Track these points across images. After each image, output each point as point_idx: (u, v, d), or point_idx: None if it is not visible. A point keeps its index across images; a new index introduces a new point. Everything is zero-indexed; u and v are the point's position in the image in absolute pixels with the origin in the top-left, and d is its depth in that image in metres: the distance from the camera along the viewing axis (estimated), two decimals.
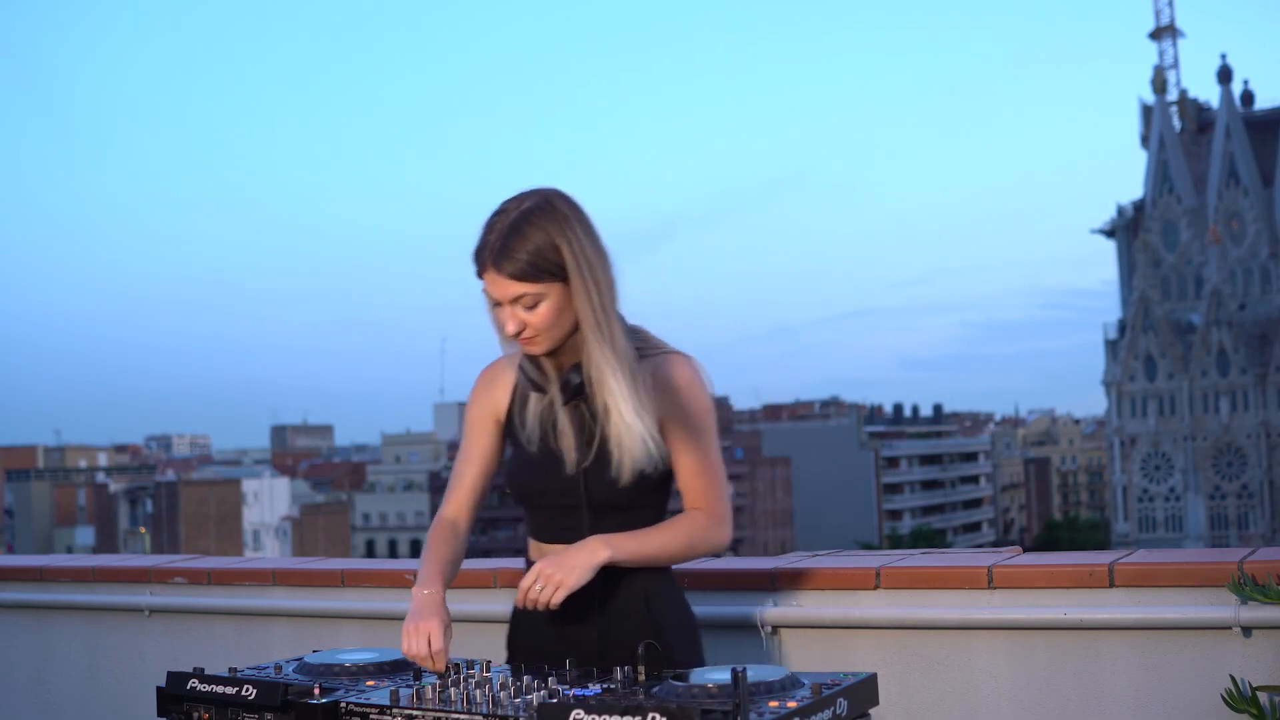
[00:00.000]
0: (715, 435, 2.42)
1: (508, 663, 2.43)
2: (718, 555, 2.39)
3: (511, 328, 2.32)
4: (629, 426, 2.31)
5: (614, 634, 2.35)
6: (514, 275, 2.28)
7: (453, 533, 2.52)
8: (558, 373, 2.39)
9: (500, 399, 2.49)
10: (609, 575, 2.33)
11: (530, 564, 2.46)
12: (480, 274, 2.33)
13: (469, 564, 3.73)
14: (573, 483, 2.37)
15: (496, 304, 2.34)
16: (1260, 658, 2.73)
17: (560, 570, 2.25)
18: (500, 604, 3.47)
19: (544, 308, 2.30)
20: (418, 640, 2.30)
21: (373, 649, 2.35)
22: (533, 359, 2.40)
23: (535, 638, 2.43)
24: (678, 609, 2.45)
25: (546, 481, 2.40)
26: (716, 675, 1.94)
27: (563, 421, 2.37)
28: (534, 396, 2.42)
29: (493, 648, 3.37)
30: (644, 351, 2.40)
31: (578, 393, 2.35)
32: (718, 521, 2.38)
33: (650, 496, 2.39)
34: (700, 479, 2.38)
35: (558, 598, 2.24)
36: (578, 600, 2.31)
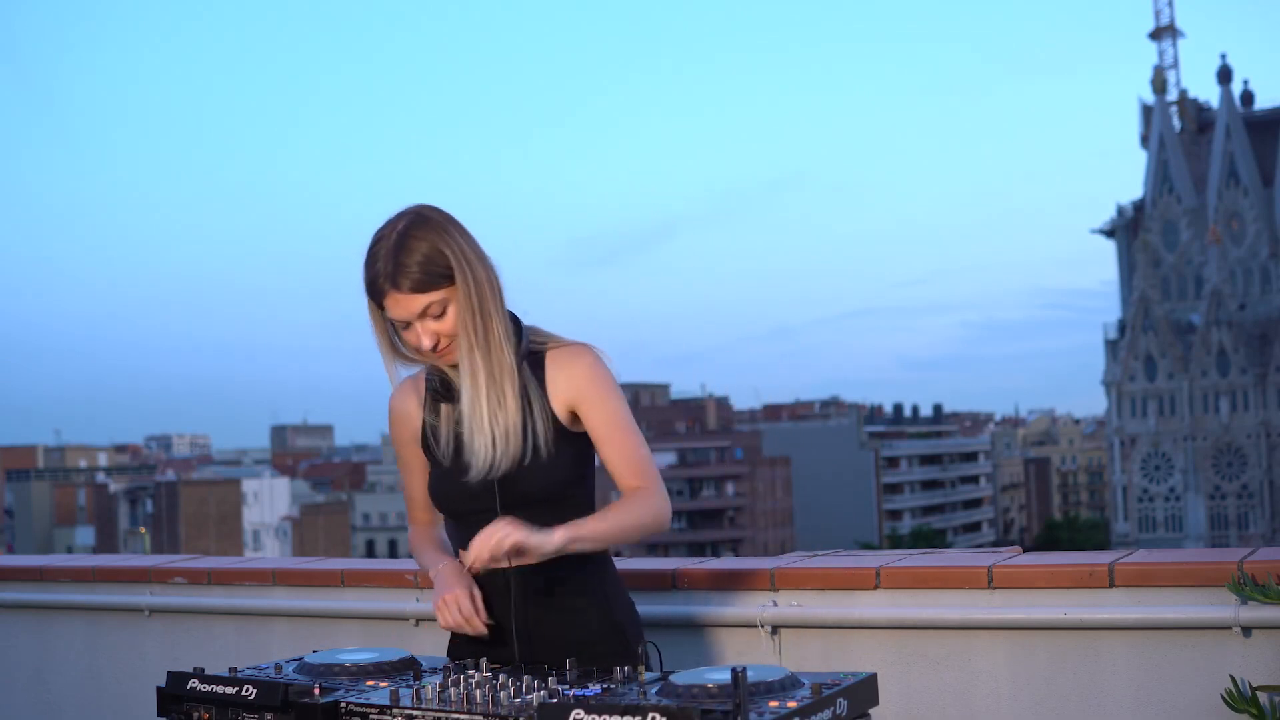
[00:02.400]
0: (626, 408, 2.43)
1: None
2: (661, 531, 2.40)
3: (428, 342, 2.35)
4: (483, 428, 2.35)
5: (576, 635, 2.38)
6: (414, 289, 2.32)
7: (431, 534, 2.60)
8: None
9: (413, 419, 2.53)
10: (570, 581, 2.38)
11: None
12: (381, 303, 2.36)
13: None
14: (486, 489, 2.38)
15: (405, 326, 2.37)
16: (1260, 658, 2.73)
17: (514, 525, 2.23)
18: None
19: (450, 313, 2.35)
20: (449, 611, 2.35)
21: (373, 649, 2.34)
22: (439, 372, 2.44)
23: (490, 652, 2.39)
24: (621, 597, 2.49)
25: (462, 491, 2.41)
26: (716, 675, 1.93)
27: (470, 433, 2.38)
28: (444, 410, 2.45)
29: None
30: (539, 346, 2.44)
31: (446, 394, 2.42)
32: (659, 495, 2.39)
33: (569, 488, 2.41)
34: (630, 456, 2.40)
35: (507, 544, 2.20)
36: (534, 608, 2.37)
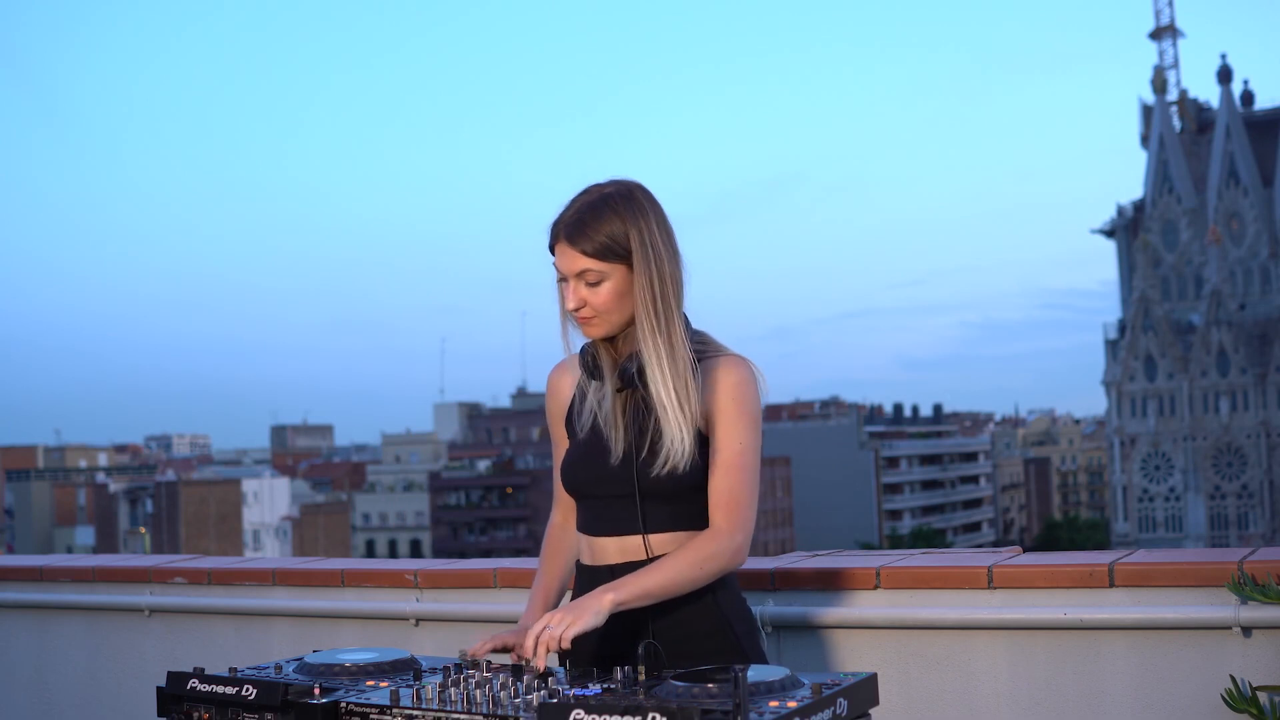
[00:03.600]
0: (756, 439, 2.38)
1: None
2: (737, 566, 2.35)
3: (572, 303, 2.36)
4: (671, 419, 2.32)
5: (681, 630, 2.33)
6: (582, 249, 2.33)
7: (560, 537, 2.58)
8: (615, 362, 2.42)
9: (564, 396, 2.54)
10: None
11: (579, 565, 2.46)
12: (552, 247, 2.39)
13: (468, 564, 3.73)
14: (621, 471, 2.36)
15: (562, 279, 2.39)
16: (1260, 658, 2.73)
17: (570, 612, 2.18)
18: (500, 604, 3.48)
19: (606, 288, 2.35)
20: (528, 638, 2.16)
21: (373, 649, 2.34)
22: (593, 349, 2.43)
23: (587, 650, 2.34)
24: (741, 604, 2.44)
25: (594, 470, 2.40)
26: (716, 675, 1.93)
27: (614, 410, 2.39)
28: (592, 386, 2.44)
29: None
30: (704, 353, 2.41)
31: (631, 380, 2.37)
32: (735, 529, 2.32)
33: (697, 492, 2.37)
34: (728, 480, 2.34)
35: (569, 634, 2.14)
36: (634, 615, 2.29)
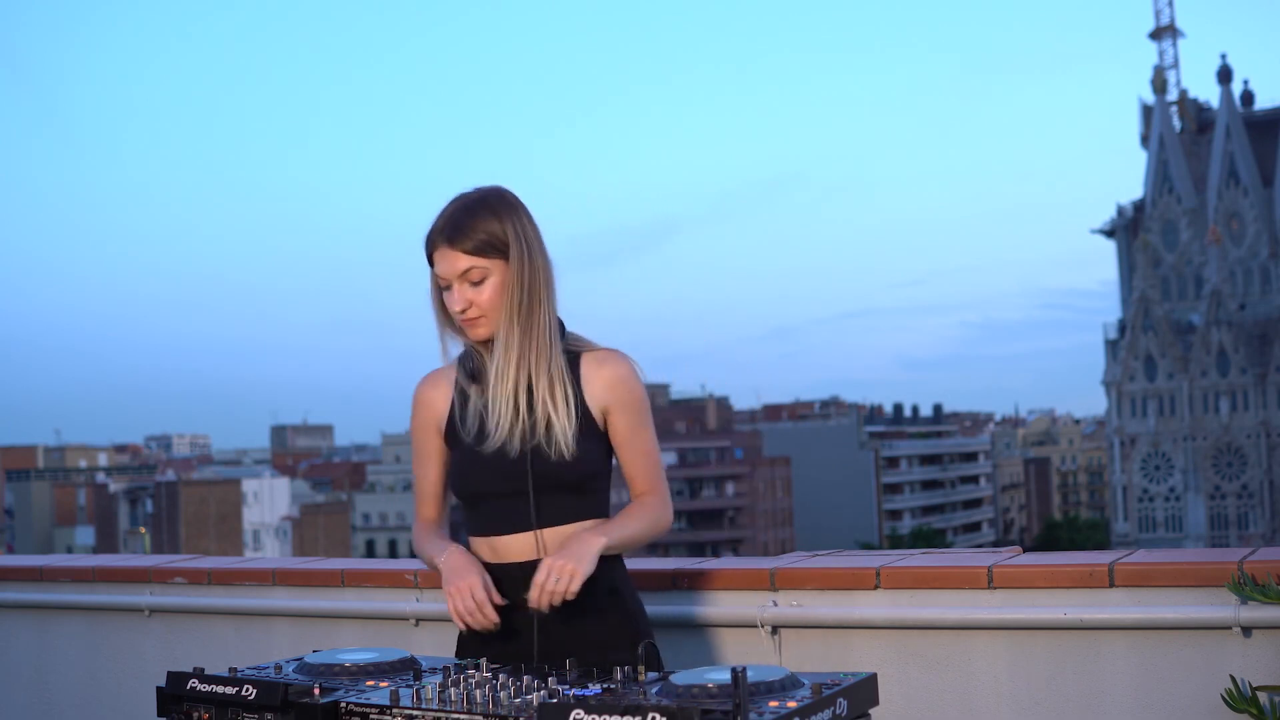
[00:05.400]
0: (652, 422, 2.55)
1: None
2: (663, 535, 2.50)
3: (459, 304, 2.42)
4: (557, 407, 2.41)
5: (593, 633, 2.40)
6: (462, 249, 2.40)
7: (435, 528, 2.61)
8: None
9: (439, 405, 2.56)
10: (592, 578, 2.35)
11: (484, 564, 2.48)
12: (431, 255, 2.45)
13: None
14: (516, 467, 2.42)
15: (445, 288, 2.45)
16: (1260, 658, 2.73)
17: (570, 559, 2.30)
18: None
19: (489, 285, 2.41)
20: (461, 598, 2.35)
21: (373, 649, 2.34)
22: (475, 353, 2.49)
23: (504, 647, 2.42)
24: (635, 596, 2.54)
25: (489, 470, 2.44)
26: (716, 675, 1.93)
27: (500, 409, 2.43)
28: (474, 391, 2.49)
29: None
30: (576, 348, 2.50)
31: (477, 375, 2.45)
32: (667, 504, 2.50)
33: (594, 480, 2.47)
34: (647, 464, 2.50)
35: (575, 586, 2.29)
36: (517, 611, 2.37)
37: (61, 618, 4.16)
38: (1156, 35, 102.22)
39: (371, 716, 1.98)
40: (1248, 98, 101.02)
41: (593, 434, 2.46)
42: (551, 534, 2.44)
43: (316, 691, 2.04)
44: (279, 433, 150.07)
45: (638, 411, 2.50)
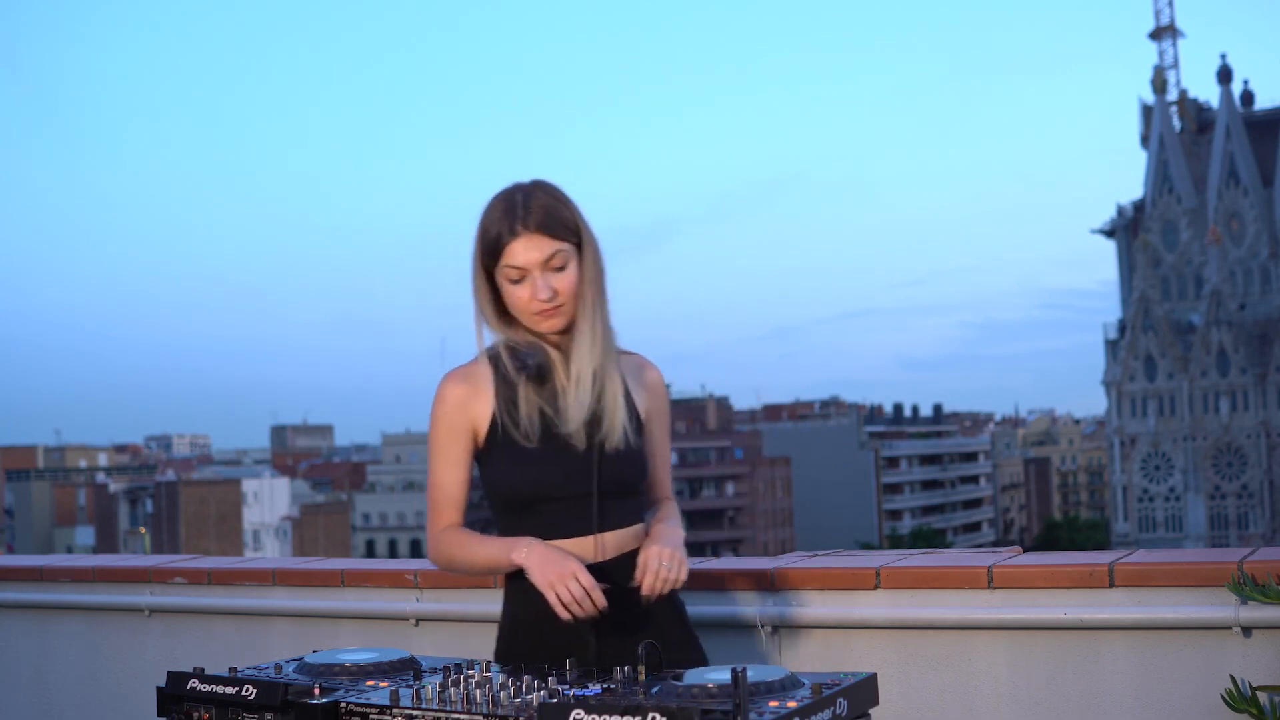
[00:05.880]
0: None
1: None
2: None
3: (544, 294, 2.32)
4: (620, 402, 2.37)
5: (658, 639, 2.29)
6: (546, 231, 2.32)
7: (471, 531, 2.45)
8: (563, 358, 2.39)
9: (476, 406, 2.40)
10: (630, 567, 2.31)
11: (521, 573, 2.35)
12: (506, 244, 2.32)
13: None
14: (585, 467, 2.34)
15: (518, 280, 2.34)
16: (1260, 658, 2.73)
17: (677, 548, 2.30)
18: (500, 604, 3.47)
19: (571, 270, 2.35)
20: (568, 584, 2.20)
21: (373, 649, 2.33)
22: (539, 348, 2.38)
23: (551, 651, 2.30)
24: (682, 606, 2.51)
25: (558, 471, 2.34)
26: (716, 675, 1.93)
27: (572, 406, 2.34)
28: (528, 388, 2.36)
29: (493, 648, 3.37)
30: (620, 350, 2.46)
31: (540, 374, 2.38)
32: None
33: (642, 482, 2.47)
34: (668, 471, 2.54)
35: (684, 574, 2.28)
36: (616, 609, 2.28)
37: (61, 618, 4.16)
38: (1156, 35, 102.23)
39: (371, 716, 1.98)
40: (1248, 98, 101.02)
41: (640, 435, 2.43)
42: (611, 537, 2.36)
43: (316, 691, 2.04)
44: (279, 433, 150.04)
45: (666, 418, 2.53)
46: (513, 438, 2.36)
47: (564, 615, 2.22)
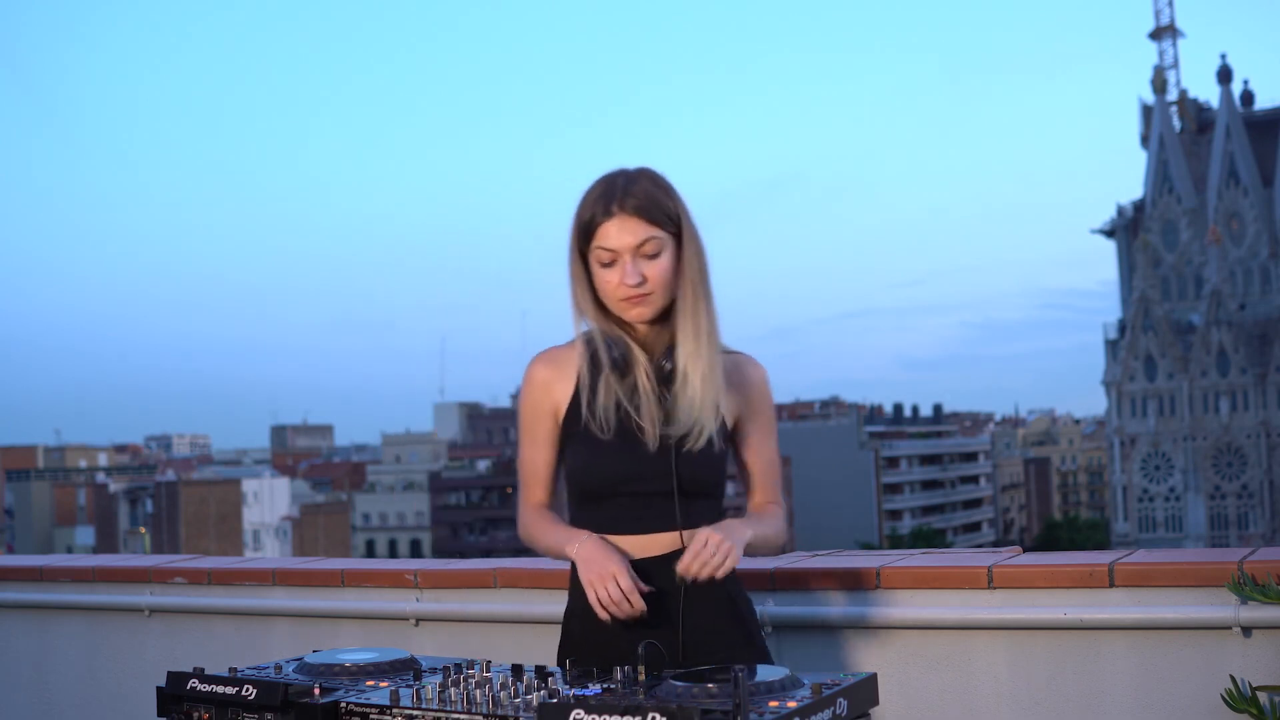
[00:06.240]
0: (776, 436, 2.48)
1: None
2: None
3: (632, 279, 2.27)
4: (707, 404, 2.29)
5: (702, 637, 2.29)
6: (642, 215, 2.27)
7: (549, 513, 2.43)
8: (645, 350, 2.34)
9: (558, 391, 2.40)
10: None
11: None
12: (599, 225, 2.28)
13: (468, 564, 3.73)
14: (660, 465, 2.30)
15: (609, 264, 2.30)
16: (1260, 658, 2.73)
17: (729, 538, 2.21)
18: (500, 604, 3.48)
19: (664, 259, 2.29)
20: (606, 585, 2.20)
21: (373, 649, 2.33)
22: (620, 338, 2.34)
23: (610, 644, 2.27)
24: (750, 606, 2.43)
25: (630, 466, 2.30)
26: (716, 675, 1.93)
27: (647, 402, 2.30)
28: (609, 379, 2.33)
29: (494, 648, 3.38)
30: (723, 348, 2.39)
31: (669, 378, 2.31)
32: (786, 520, 2.44)
33: (722, 485, 2.39)
34: (774, 475, 2.44)
35: (729, 565, 2.19)
36: (661, 604, 2.26)
37: (61, 618, 4.16)
38: (1156, 35, 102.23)
39: (371, 716, 1.98)
40: (1248, 98, 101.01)
41: (725, 436, 2.37)
42: (688, 537, 2.31)
43: (316, 691, 2.04)
44: (279, 433, 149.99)
45: (766, 419, 2.44)
46: (589, 428, 2.34)
47: (601, 615, 2.22)
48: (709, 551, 2.19)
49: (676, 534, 2.30)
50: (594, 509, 2.35)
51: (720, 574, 2.19)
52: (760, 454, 2.42)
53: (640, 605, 2.20)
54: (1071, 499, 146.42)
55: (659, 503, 2.30)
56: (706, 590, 2.26)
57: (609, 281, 2.31)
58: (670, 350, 2.33)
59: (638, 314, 2.32)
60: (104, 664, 4.06)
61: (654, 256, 2.28)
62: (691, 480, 2.31)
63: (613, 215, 2.27)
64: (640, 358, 2.34)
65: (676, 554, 2.26)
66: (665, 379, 2.32)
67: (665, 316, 2.34)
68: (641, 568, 2.28)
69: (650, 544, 2.31)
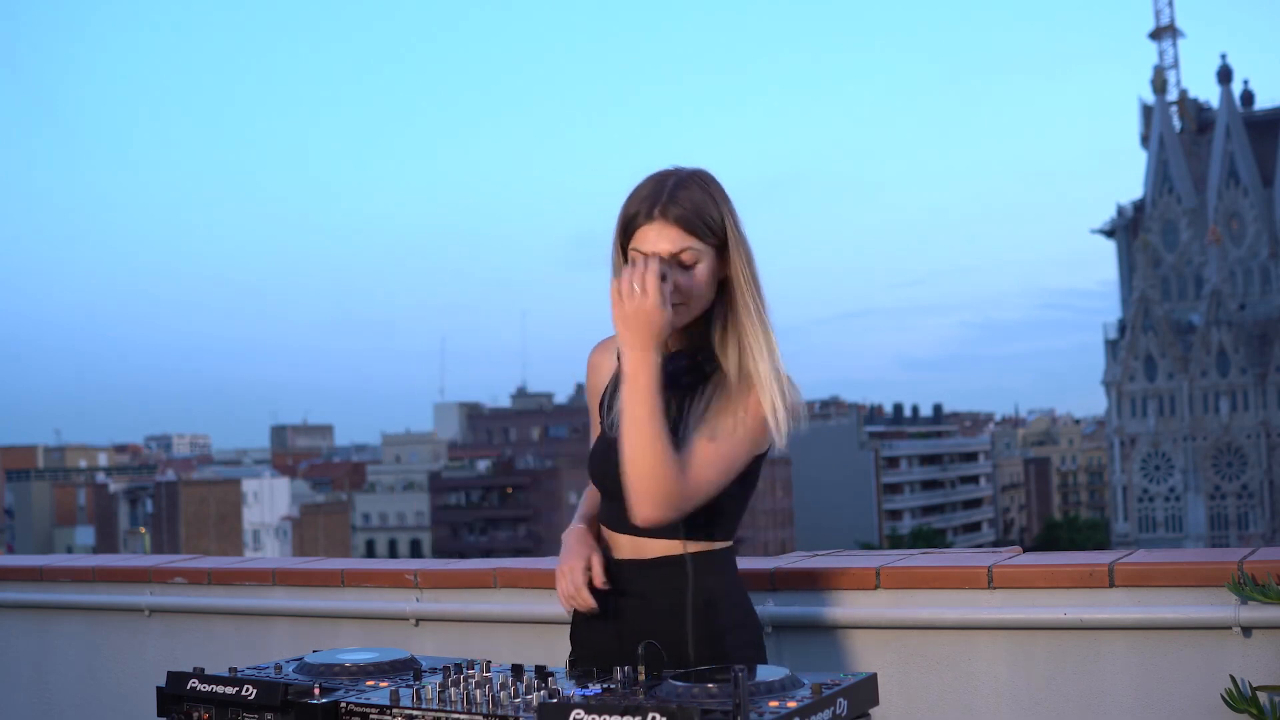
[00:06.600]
0: (745, 443, 2.25)
1: (571, 662, 2.35)
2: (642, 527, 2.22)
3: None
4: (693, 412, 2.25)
5: (669, 636, 2.25)
6: (680, 223, 2.22)
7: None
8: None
9: (601, 378, 2.44)
10: (666, 575, 2.27)
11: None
12: (637, 228, 2.24)
13: (468, 564, 3.73)
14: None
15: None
16: (1260, 658, 2.73)
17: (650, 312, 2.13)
18: (500, 604, 3.48)
19: (700, 270, 2.24)
20: (562, 579, 2.30)
21: (373, 649, 2.33)
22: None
23: (592, 638, 2.34)
24: (739, 610, 2.35)
25: (608, 466, 2.28)
26: (716, 675, 1.93)
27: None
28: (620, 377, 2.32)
29: (494, 648, 3.38)
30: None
31: (673, 380, 2.26)
32: (683, 493, 2.17)
33: (717, 501, 2.26)
34: (703, 452, 2.21)
35: (642, 307, 2.11)
36: (637, 601, 2.28)
37: (61, 618, 4.16)
38: (1156, 35, 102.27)
39: (371, 716, 1.98)
40: (1248, 98, 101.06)
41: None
42: (626, 540, 2.31)
43: (316, 691, 2.04)
44: (279, 433, 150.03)
45: (741, 422, 2.24)
46: (605, 422, 2.37)
47: (562, 604, 2.31)
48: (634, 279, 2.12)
49: (674, 541, 2.27)
50: (606, 502, 2.38)
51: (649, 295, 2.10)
52: (706, 429, 2.23)
53: (588, 602, 2.27)
54: (1071, 499, 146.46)
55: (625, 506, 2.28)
56: (682, 599, 2.26)
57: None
58: (675, 355, 2.30)
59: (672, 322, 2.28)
60: (104, 664, 4.06)
61: (690, 266, 2.24)
62: None
63: (653, 219, 2.23)
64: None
65: (667, 559, 2.27)
66: (670, 380, 2.27)
67: (706, 320, 2.30)
68: (632, 569, 2.29)
69: (644, 547, 2.30)
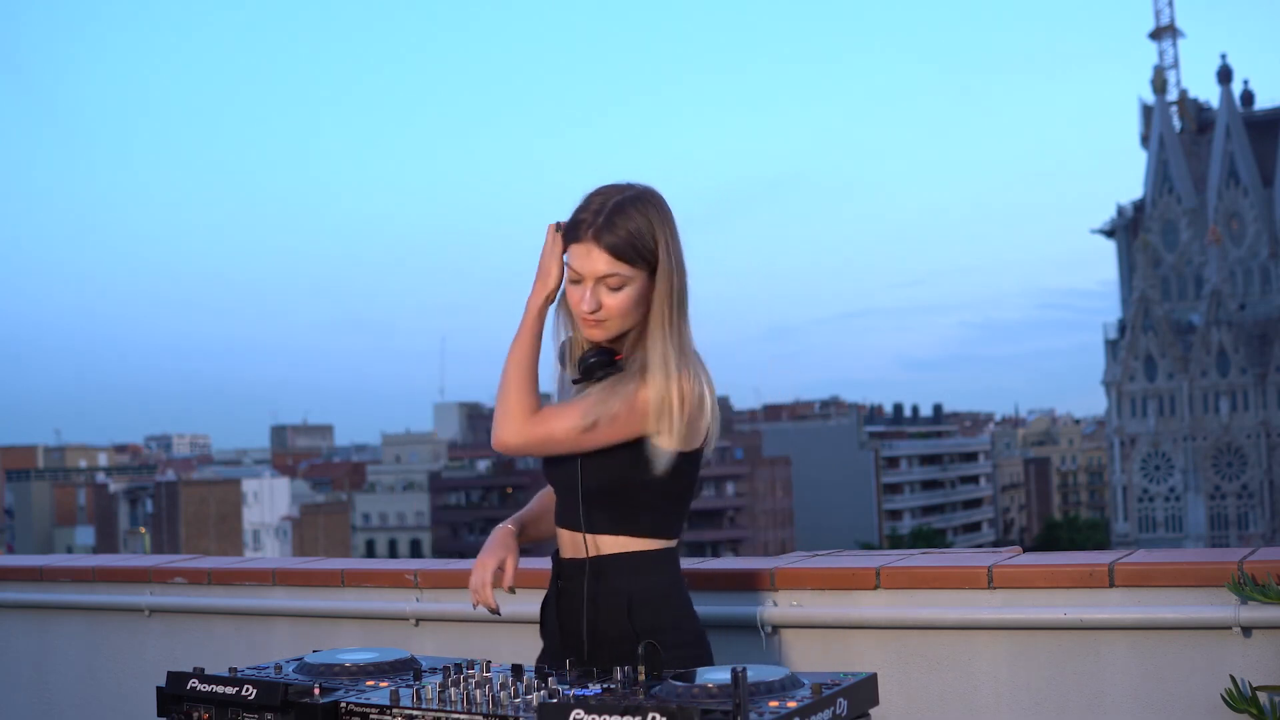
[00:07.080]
0: (620, 418, 2.28)
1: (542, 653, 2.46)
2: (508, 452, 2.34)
3: (588, 305, 2.30)
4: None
5: (599, 637, 2.32)
6: (611, 250, 2.27)
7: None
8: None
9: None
10: (595, 574, 2.33)
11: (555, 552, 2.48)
12: (573, 240, 2.30)
13: (468, 564, 3.73)
14: (570, 466, 2.35)
15: (576, 281, 2.32)
16: (1260, 658, 2.73)
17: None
18: (500, 604, 3.47)
19: (626, 293, 2.29)
20: (473, 574, 2.41)
21: (373, 649, 2.34)
22: (571, 343, 2.43)
23: (545, 635, 2.47)
24: (669, 613, 2.34)
25: (550, 463, 2.40)
26: (716, 675, 1.93)
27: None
28: (562, 376, 2.45)
29: (493, 648, 3.38)
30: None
31: (590, 374, 2.34)
32: (540, 424, 2.29)
33: (637, 493, 2.32)
34: (567, 406, 2.32)
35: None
36: (573, 601, 2.35)
37: (61, 618, 4.16)
38: (1156, 35, 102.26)
39: (371, 716, 1.98)
40: (1248, 98, 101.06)
41: (638, 444, 2.30)
42: (568, 536, 2.38)
43: (316, 691, 2.04)
44: (279, 433, 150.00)
45: (623, 398, 2.30)
46: None
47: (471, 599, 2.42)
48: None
49: (608, 539, 2.34)
50: (557, 499, 2.47)
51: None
52: (582, 397, 2.32)
53: (488, 601, 2.38)
54: (1071, 499, 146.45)
55: (574, 502, 2.36)
56: (599, 599, 2.31)
57: (572, 297, 2.35)
58: (599, 349, 2.37)
59: (590, 335, 2.37)
60: (104, 664, 4.07)
61: (617, 289, 2.30)
62: (596, 484, 2.32)
63: (583, 240, 2.29)
64: (574, 357, 2.41)
65: (590, 559, 2.33)
66: (587, 375, 2.36)
67: (636, 327, 2.36)
68: (568, 567, 2.38)
69: (572, 539, 2.38)
